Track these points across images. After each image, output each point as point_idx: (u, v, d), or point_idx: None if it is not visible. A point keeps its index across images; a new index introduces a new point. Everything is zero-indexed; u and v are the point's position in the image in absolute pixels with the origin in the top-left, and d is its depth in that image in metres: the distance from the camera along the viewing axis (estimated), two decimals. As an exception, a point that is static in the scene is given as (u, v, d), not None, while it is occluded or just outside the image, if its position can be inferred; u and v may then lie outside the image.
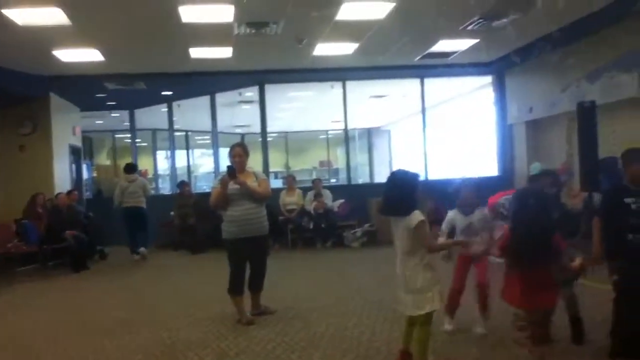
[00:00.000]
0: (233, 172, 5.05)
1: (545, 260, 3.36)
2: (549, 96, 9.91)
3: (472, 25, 8.29)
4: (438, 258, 4.15)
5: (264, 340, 4.57)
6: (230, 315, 5.26)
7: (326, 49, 9.38)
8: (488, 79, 12.00)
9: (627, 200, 3.72)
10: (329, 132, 18.90)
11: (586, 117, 7.00)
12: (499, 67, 11.35)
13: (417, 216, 3.50)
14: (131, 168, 10.10)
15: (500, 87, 11.83)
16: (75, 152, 11.98)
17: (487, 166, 11.97)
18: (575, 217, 5.05)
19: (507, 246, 3.50)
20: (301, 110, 15.65)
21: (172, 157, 14.07)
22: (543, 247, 3.34)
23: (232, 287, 5.21)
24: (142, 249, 9.60)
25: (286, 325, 4.98)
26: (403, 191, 3.57)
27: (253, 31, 8.00)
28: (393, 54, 9.64)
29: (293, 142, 19.44)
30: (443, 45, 9.47)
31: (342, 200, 10.88)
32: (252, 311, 5.33)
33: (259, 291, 5.41)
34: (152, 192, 11.10)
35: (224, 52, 9.19)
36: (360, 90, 12.32)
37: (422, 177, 3.80)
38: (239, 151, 5.29)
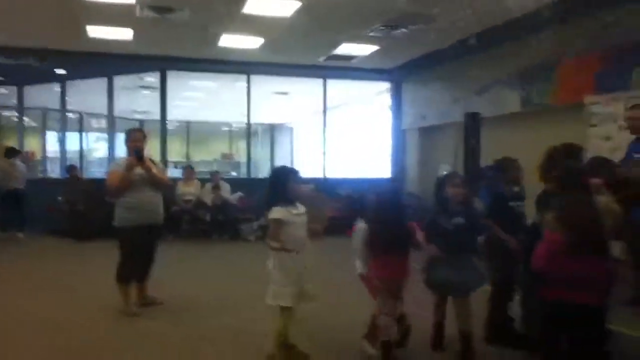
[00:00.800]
0: (141, 156, 4.87)
1: (402, 250, 3.75)
2: (440, 106, 10.47)
3: (374, 32, 8.56)
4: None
5: (155, 334, 4.44)
6: (113, 306, 5.02)
7: (232, 41, 9.27)
8: (387, 85, 12.45)
9: (511, 203, 4.05)
10: (233, 124, 18.67)
11: (472, 128, 7.47)
12: (397, 75, 11.82)
13: (271, 213, 3.58)
14: (11, 152, 9.83)
15: (397, 93, 12.32)
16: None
17: (382, 169, 12.42)
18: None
19: (370, 238, 3.77)
20: (205, 100, 15.33)
21: (63, 140, 13.20)
22: (399, 239, 3.70)
23: (123, 275, 5.00)
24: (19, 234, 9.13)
25: (177, 318, 4.85)
26: (270, 186, 3.68)
27: (156, 15, 7.71)
28: (298, 53, 9.74)
29: (195, 132, 18.99)
30: (346, 48, 9.70)
31: (240, 194, 10.80)
32: (139, 302, 5.14)
33: (146, 280, 5.24)
34: (40, 175, 10.48)
35: (125, 34, 8.78)
36: (265, 86, 12.30)
37: (300, 174, 3.78)
38: (139, 136, 5.10)
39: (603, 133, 6.74)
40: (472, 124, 7.49)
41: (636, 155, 4.97)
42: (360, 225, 3.98)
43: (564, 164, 3.60)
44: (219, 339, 4.31)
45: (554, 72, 7.89)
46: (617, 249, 4.41)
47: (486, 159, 7.81)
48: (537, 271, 2.97)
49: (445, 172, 6.81)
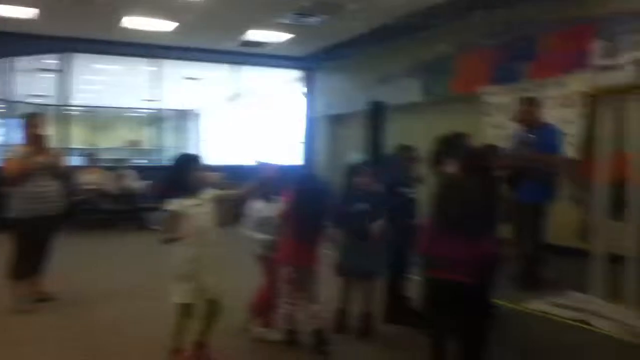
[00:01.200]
0: (41, 143, 4.65)
1: (316, 233, 3.78)
2: (349, 94, 10.68)
3: (286, 19, 8.57)
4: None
5: (52, 328, 4.24)
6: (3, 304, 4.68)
7: (142, 24, 8.93)
8: (299, 73, 12.50)
9: (404, 189, 4.21)
10: (140, 110, 17.93)
11: (376, 116, 7.68)
12: (309, 63, 11.89)
13: (166, 204, 3.39)
14: None
15: (309, 81, 12.41)
16: None
17: (294, 155, 12.48)
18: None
19: (289, 218, 3.75)
20: (111, 84, 14.64)
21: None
22: (316, 224, 3.74)
23: (18, 271, 4.69)
24: None
25: (75, 311, 4.67)
26: (169, 175, 3.52)
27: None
28: (211, 38, 9.54)
29: (100, 118, 18.06)
30: (259, 35, 9.64)
31: (147, 181, 10.45)
32: (32, 297, 4.81)
33: (41, 275, 4.95)
34: None
35: (28, 13, 8.20)
36: (175, 71, 11.94)
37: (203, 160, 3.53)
38: (39, 122, 4.80)
39: (496, 122, 7.18)
40: (377, 113, 7.69)
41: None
42: (259, 206, 3.93)
43: (465, 150, 3.75)
44: (120, 329, 4.20)
45: (452, 63, 8.28)
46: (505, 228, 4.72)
47: (390, 147, 8.09)
48: (419, 253, 3.11)
49: (354, 160, 6.97)
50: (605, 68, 4.12)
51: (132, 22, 8.82)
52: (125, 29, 9.13)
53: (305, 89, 12.49)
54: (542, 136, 5.19)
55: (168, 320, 4.12)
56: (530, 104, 5.41)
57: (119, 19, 8.61)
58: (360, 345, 3.89)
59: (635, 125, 3.99)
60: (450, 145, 4.08)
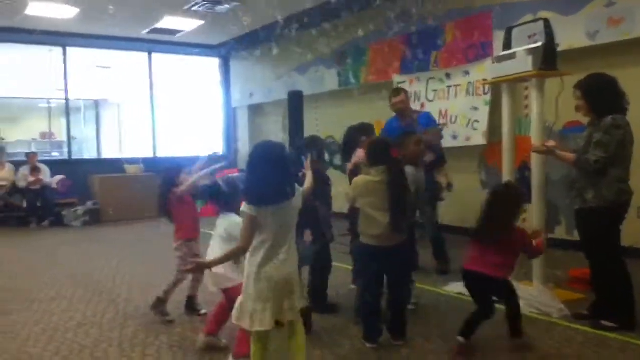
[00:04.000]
0: None
1: None
2: (267, 83, 10.54)
3: (196, 7, 8.28)
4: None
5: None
6: None
7: (43, 10, 8.32)
8: (217, 61, 12.18)
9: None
10: (51, 100, 16.81)
11: (295, 105, 7.63)
12: (224, 51, 11.60)
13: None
14: None
15: (225, 70, 12.13)
16: None
17: (214, 146, 12.20)
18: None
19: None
20: (17, 74, 13.56)
21: None
22: None
23: None
24: None
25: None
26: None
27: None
28: (119, 24, 9.03)
29: (6, 109, 16.76)
30: (169, 22, 9.28)
31: (62, 176, 9.88)
32: None
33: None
34: None
35: None
36: (85, 59, 11.26)
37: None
38: None
39: (408, 109, 7.31)
40: (295, 102, 7.64)
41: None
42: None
43: (372, 139, 3.78)
44: (27, 332, 3.91)
45: (366, 52, 8.36)
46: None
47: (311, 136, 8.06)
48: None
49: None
50: (503, 57, 4.26)
51: (35, 9, 8.20)
52: (28, 16, 8.47)
53: (221, 78, 12.21)
54: (418, 122, 5.39)
55: (86, 320, 3.94)
56: (405, 94, 5.61)
57: (25, 6, 7.97)
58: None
59: (534, 110, 4.16)
60: (355, 136, 4.15)
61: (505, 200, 3.26)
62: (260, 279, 2.52)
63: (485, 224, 3.23)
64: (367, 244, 3.35)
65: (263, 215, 2.51)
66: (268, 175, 2.49)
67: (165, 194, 4.01)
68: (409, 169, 3.77)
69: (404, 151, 3.88)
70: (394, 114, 5.65)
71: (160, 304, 4.03)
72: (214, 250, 3.23)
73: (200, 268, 3.05)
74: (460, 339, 3.15)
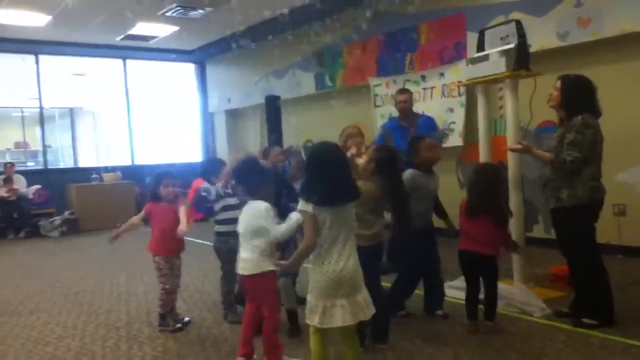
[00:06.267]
0: None
1: None
2: (244, 88, 10.47)
3: (170, 12, 8.19)
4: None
5: None
6: None
7: (14, 18, 8.14)
8: (193, 66, 12.06)
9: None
10: (25, 109, 16.44)
11: (272, 109, 7.60)
12: (200, 56, 11.50)
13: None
14: None
15: (202, 75, 12.03)
16: None
17: (192, 152, 12.09)
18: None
19: None
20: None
21: None
22: None
23: None
24: None
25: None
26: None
27: None
28: (92, 31, 8.88)
29: (-22, 119, 16.30)
30: (143, 28, 9.15)
31: (37, 186, 9.68)
32: None
33: None
34: None
35: None
36: (59, 67, 11.06)
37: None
38: None
39: (386, 112, 7.34)
40: (273, 107, 7.61)
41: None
42: None
43: (377, 147, 3.60)
44: (7, 348, 3.79)
45: (342, 55, 8.36)
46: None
47: (288, 140, 8.04)
48: None
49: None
50: (477, 59, 4.28)
51: (6, 16, 8.02)
52: (-1, 24, 8.30)
53: (197, 84, 12.10)
54: (418, 126, 5.36)
55: (67, 333, 3.83)
56: (409, 94, 5.56)
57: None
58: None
59: (508, 111, 4.20)
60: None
61: (487, 176, 3.54)
62: (322, 278, 2.54)
63: (471, 199, 3.54)
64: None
65: (322, 215, 2.53)
66: (330, 176, 2.53)
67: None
68: (421, 178, 3.76)
69: (417, 158, 3.81)
70: (376, 116, 5.63)
71: (163, 320, 3.90)
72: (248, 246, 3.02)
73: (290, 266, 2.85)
74: (467, 320, 3.53)
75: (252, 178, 3.06)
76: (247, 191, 3.07)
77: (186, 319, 4.02)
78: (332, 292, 2.51)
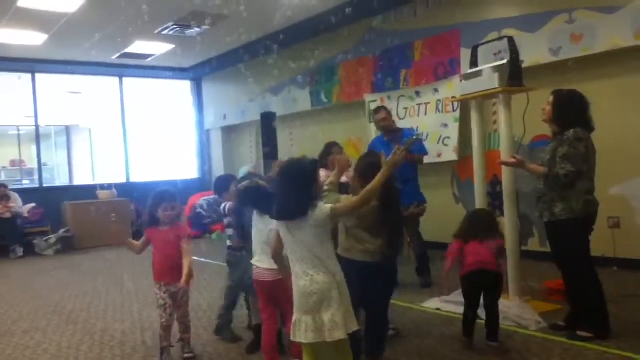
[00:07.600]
0: None
1: None
2: (240, 105, 10.53)
3: (167, 30, 8.27)
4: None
5: None
6: None
7: (11, 37, 8.20)
8: (189, 84, 12.13)
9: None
10: (21, 127, 16.46)
11: (268, 126, 7.63)
12: (196, 74, 11.58)
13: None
14: None
15: (198, 93, 12.10)
16: None
17: (188, 169, 12.12)
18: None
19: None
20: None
21: None
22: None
23: None
24: None
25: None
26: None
27: None
28: (89, 50, 8.96)
29: (-25, 137, 16.32)
30: (140, 46, 9.23)
31: (32, 205, 9.66)
32: None
33: None
34: None
35: None
36: (55, 85, 11.12)
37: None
38: None
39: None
40: (268, 123, 7.65)
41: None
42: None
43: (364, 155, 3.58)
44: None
45: (337, 72, 8.43)
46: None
47: (284, 156, 8.05)
48: None
49: (242, 172, 6.86)
50: (471, 75, 4.34)
51: (3, 36, 8.10)
52: (-5, 43, 8.37)
53: (194, 101, 12.17)
54: (402, 137, 5.31)
55: (62, 352, 3.80)
56: (385, 111, 5.55)
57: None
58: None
59: (502, 125, 4.24)
60: (322, 155, 4.20)
61: (483, 219, 3.67)
62: (295, 291, 2.54)
63: (469, 226, 3.62)
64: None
65: (282, 229, 2.57)
66: (284, 192, 2.55)
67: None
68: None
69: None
70: (371, 132, 5.65)
71: (161, 356, 3.61)
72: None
73: None
74: (464, 338, 3.53)
75: (261, 202, 3.14)
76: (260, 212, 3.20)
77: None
78: (299, 307, 2.50)
